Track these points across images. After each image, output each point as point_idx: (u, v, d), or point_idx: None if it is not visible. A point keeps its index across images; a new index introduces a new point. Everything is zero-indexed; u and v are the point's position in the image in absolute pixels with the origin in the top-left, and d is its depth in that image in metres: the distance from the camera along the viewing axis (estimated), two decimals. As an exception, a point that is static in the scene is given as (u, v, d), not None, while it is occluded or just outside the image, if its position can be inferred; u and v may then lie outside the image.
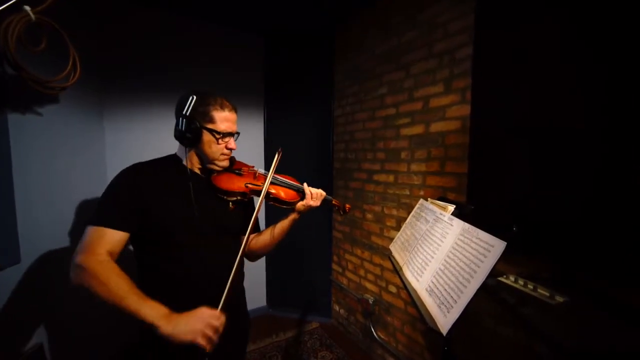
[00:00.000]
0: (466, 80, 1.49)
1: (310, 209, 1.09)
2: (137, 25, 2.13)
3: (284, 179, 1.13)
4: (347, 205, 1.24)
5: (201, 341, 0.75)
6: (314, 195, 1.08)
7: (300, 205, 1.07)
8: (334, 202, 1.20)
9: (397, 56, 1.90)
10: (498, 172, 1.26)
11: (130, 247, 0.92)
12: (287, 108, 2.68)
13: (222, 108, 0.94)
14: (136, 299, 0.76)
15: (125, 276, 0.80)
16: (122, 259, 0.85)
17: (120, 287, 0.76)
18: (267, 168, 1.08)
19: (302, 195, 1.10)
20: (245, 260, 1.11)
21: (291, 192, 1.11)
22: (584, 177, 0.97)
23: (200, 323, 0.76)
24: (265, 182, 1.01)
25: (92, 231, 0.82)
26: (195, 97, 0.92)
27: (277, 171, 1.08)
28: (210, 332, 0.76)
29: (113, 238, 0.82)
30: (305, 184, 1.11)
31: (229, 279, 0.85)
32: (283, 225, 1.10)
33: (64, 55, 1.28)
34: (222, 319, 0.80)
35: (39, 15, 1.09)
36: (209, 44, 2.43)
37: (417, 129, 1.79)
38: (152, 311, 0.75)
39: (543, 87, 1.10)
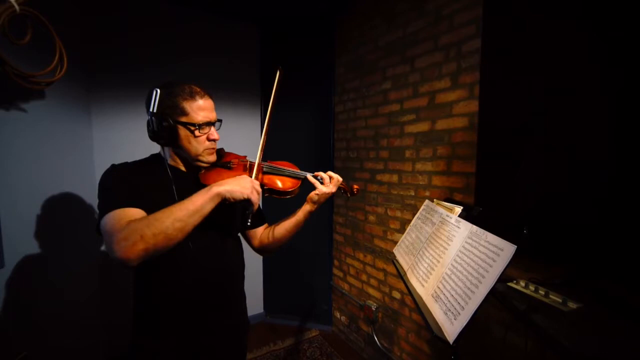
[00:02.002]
0: (474, 75, 1.49)
1: (327, 198, 1.05)
2: (128, 17, 2.13)
3: (280, 167, 1.08)
4: (355, 186, 1.14)
5: (254, 196, 0.85)
6: (325, 180, 1.04)
7: (314, 195, 1.03)
8: (340, 184, 1.14)
9: (402, 48, 1.90)
10: (507, 171, 1.26)
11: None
12: (285, 102, 2.66)
13: (193, 96, 0.89)
14: (180, 202, 0.78)
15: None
16: (120, 267, 0.83)
17: (163, 211, 0.76)
18: (264, 160, 1.05)
19: (302, 182, 1.06)
20: (246, 261, 1.11)
21: (290, 180, 1.06)
22: (594, 176, 0.97)
23: (248, 182, 0.86)
24: (257, 172, 0.97)
25: (108, 218, 0.77)
26: (159, 91, 0.86)
27: (273, 158, 1.04)
28: (256, 192, 0.86)
29: (130, 212, 0.79)
30: (310, 174, 1.06)
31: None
32: (298, 218, 1.07)
33: (50, 48, 1.28)
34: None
35: (24, 6, 1.09)
36: (204, 36, 2.43)
37: (423, 126, 1.79)
38: (201, 193, 0.81)
39: (548, 83, 1.10)
